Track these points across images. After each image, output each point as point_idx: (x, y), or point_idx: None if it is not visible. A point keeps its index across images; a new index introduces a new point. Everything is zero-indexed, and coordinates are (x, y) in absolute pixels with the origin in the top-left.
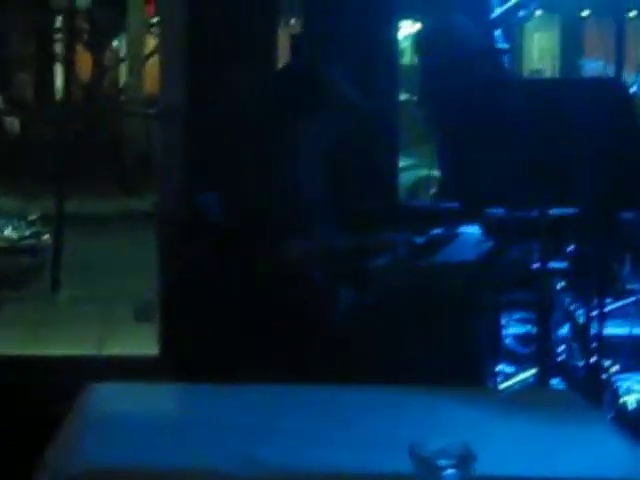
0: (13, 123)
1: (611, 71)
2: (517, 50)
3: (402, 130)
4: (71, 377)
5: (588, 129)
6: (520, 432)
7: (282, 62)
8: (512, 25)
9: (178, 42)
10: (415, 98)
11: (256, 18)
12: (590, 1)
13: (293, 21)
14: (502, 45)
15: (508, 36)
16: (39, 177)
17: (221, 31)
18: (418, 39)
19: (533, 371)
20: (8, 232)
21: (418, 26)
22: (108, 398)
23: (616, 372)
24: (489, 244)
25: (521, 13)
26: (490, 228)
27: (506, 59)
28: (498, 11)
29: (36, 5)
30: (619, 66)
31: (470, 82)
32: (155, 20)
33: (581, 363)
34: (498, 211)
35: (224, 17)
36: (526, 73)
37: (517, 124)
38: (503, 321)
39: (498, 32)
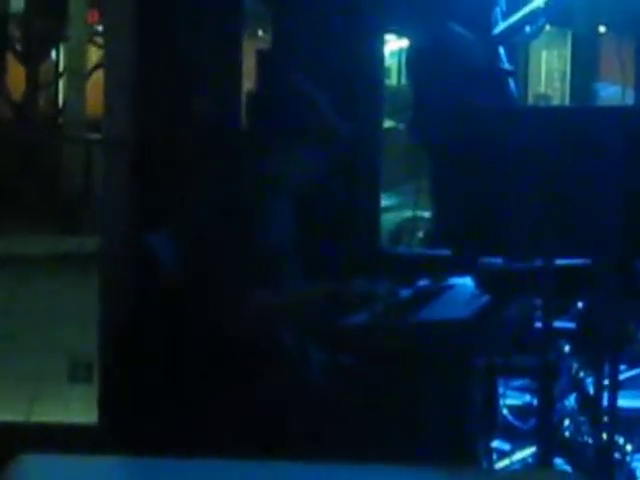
0: None
1: (630, 98)
2: (521, 70)
3: (386, 163)
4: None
5: (602, 167)
6: None
7: (248, 82)
8: (518, 43)
9: (127, 55)
10: (401, 126)
11: (218, 29)
12: (606, 15)
13: (260, 33)
14: (506, 66)
15: (511, 54)
16: None
17: (178, 42)
18: (407, 57)
19: (533, 449)
20: None
21: (406, 42)
22: (38, 471)
23: (630, 451)
24: (484, 299)
25: (528, 29)
26: (486, 280)
27: (511, 83)
28: (501, 26)
29: None
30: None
31: (467, 109)
32: (100, 28)
33: (589, 440)
34: (495, 261)
35: (182, 25)
36: (531, 99)
37: (520, 160)
38: (499, 390)
39: (501, 51)
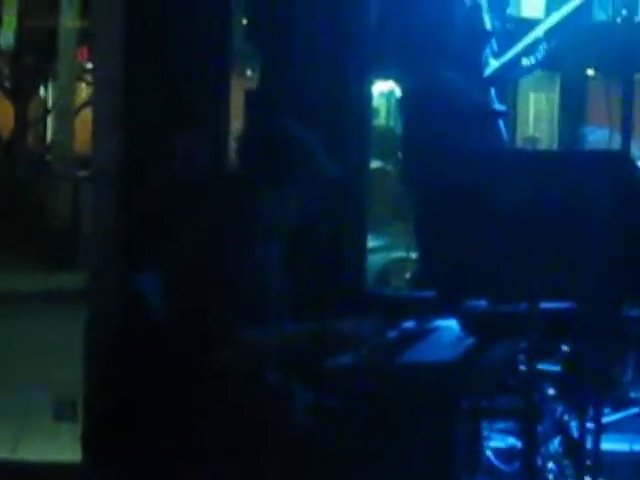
0: None
1: (617, 142)
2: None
3: (374, 204)
4: None
5: (589, 210)
6: None
7: (236, 122)
8: (507, 83)
9: (115, 93)
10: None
11: (207, 68)
12: (595, 59)
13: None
14: (497, 107)
15: (500, 96)
16: None
17: (167, 81)
18: (399, 100)
19: None
20: None
21: (392, 84)
22: None
23: None
24: (469, 341)
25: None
26: (470, 323)
27: (502, 124)
28: (492, 67)
29: None
30: (627, 136)
31: (454, 153)
32: (89, 66)
33: None
34: (480, 303)
35: (170, 65)
36: (519, 141)
37: (506, 203)
38: (483, 432)
39: (492, 92)
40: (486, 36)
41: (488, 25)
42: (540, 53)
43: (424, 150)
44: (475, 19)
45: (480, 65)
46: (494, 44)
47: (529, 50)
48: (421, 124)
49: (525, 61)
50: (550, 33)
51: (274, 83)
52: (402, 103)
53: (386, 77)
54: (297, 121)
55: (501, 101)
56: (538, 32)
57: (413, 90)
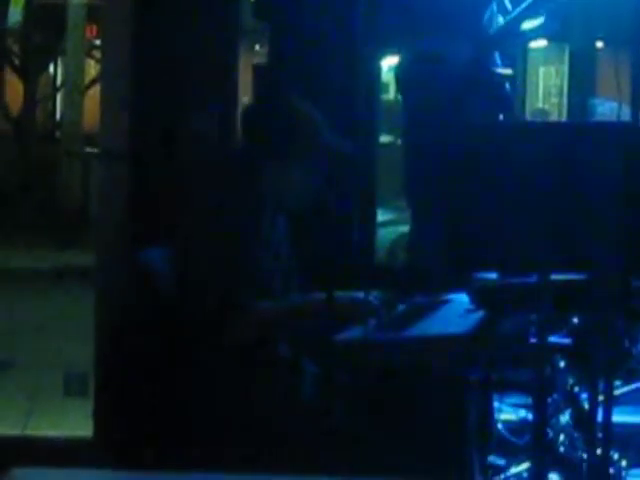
0: None
1: (626, 114)
2: (519, 86)
3: (383, 178)
4: None
5: (600, 182)
6: None
7: (245, 98)
8: (513, 50)
9: (124, 69)
10: (398, 141)
11: (215, 43)
12: (604, 30)
13: (257, 47)
14: (502, 70)
15: (508, 62)
16: None
17: (176, 57)
18: (397, 72)
19: (528, 464)
20: None
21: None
22: None
23: (625, 467)
24: (479, 314)
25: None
26: (481, 295)
27: (507, 86)
28: (494, 28)
29: None
30: (636, 107)
31: (462, 123)
32: (98, 42)
33: (584, 456)
34: (490, 275)
35: (179, 40)
36: (529, 114)
37: (515, 174)
38: (494, 405)
39: (495, 55)
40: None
41: None
42: (546, 15)
43: (429, 121)
44: None
45: (481, 29)
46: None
47: (533, 9)
48: (422, 95)
49: (530, 23)
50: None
51: (282, 58)
52: (401, 75)
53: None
54: (304, 96)
55: (508, 64)
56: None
57: (414, 58)
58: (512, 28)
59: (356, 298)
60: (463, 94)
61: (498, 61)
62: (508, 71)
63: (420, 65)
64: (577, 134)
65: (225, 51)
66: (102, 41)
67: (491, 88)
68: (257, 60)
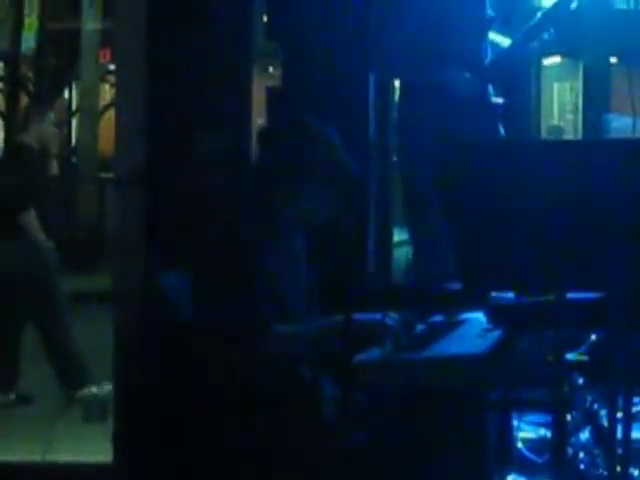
0: None
1: None
2: (533, 103)
3: (397, 198)
4: None
5: (616, 199)
6: None
7: (259, 120)
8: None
9: (139, 93)
10: None
11: (229, 65)
12: (617, 46)
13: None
14: (494, 99)
15: (525, 86)
16: None
17: (190, 79)
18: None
19: None
20: None
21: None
22: None
23: None
24: (497, 333)
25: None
26: (498, 315)
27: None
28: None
29: None
30: None
31: (482, 142)
32: (112, 67)
33: (604, 473)
34: (507, 295)
35: (193, 63)
36: (544, 131)
37: (532, 193)
38: (514, 423)
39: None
40: (488, 23)
41: (489, 11)
42: (541, 39)
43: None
44: (475, 6)
45: (479, 58)
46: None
47: (530, 36)
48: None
49: (528, 47)
50: (548, 18)
51: (296, 79)
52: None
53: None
54: (318, 116)
55: (523, 92)
56: (536, 18)
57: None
58: (507, 58)
59: (374, 320)
60: (458, 121)
61: (491, 91)
62: (500, 100)
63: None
64: (592, 151)
65: (239, 73)
66: (116, 66)
67: (484, 118)
68: (271, 82)
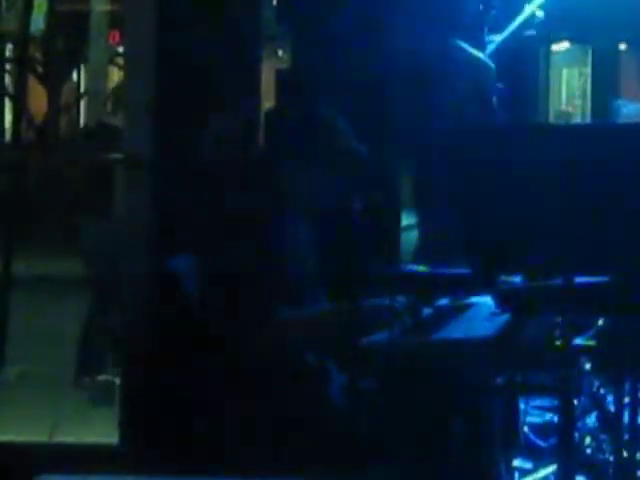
0: None
1: None
2: (542, 88)
3: (407, 182)
4: (19, 467)
5: (624, 184)
6: None
7: (267, 103)
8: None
9: (147, 76)
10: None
11: (238, 48)
12: (627, 31)
13: (280, 52)
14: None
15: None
16: None
17: (198, 62)
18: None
19: (554, 467)
20: None
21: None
22: None
23: None
24: (504, 317)
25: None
26: (506, 298)
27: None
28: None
29: None
30: None
31: (491, 125)
32: (121, 49)
33: (610, 458)
34: (515, 279)
35: (201, 45)
36: (552, 116)
37: (541, 177)
38: (520, 408)
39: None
40: (487, 9)
41: None
42: (538, 26)
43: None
44: None
45: (483, 40)
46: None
47: (528, 24)
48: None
49: (525, 34)
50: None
51: (304, 62)
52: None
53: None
54: (327, 100)
55: (532, 77)
56: (535, 5)
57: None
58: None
59: (381, 304)
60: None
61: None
62: (498, 85)
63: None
64: (600, 136)
65: (248, 56)
66: (125, 48)
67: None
68: (280, 65)
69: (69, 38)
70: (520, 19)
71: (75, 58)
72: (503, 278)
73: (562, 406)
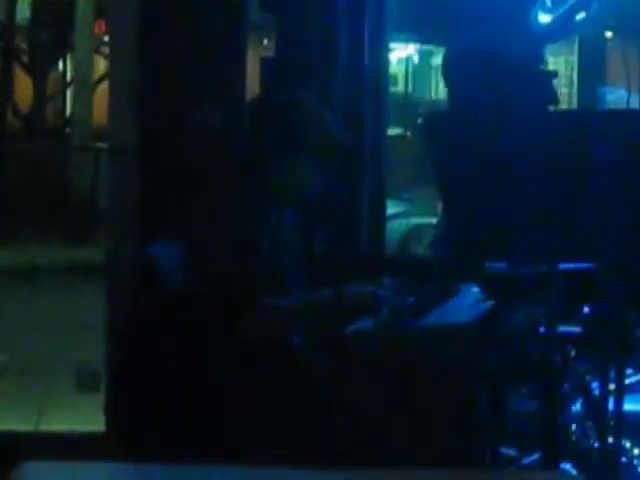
0: None
1: (635, 102)
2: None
3: (393, 170)
4: (5, 455)
5: (608, 170)
6: None
7: (252, 91)
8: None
9: (132, 64)
10: (407, 133)
11: (222, 37)
12: (614, 19)
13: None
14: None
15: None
16: None
17: (183, 50)
18: (444, 60)
19: (540, 454)
20: None
21: (412, 48)
22: (42, 478)
23: (637, 455)
24: (489, 304)
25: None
26: (490, 285)
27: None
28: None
29: None
30: None
31: (474, 114)
32: (107, 38)
33: (596, 444)
34: (500, 266)
35: (186, 33)
36: None
37: (525, 161)
38: (505, 395)
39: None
40: None
41: None
42: (593, 8)
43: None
44: None
45: (530, 23)
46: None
47: (582, 5)
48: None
49: (578, 17)
50: None
51: (290, 52)
52: (448, 62)
53: (427, 41)
54: (311, 88)
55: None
56: None
57: (459, 49)
58: (560, 24)
59: (366, 290)
60: (510, 89)
61: (543, 56)
62: (554, 69)
63: (467, 58)
64: (583, 122)
65: (233, 44)
66: (110, 36)
67: (537, 84)
68: (265, 54)
69: (55, 27)
70: None
71: (61, 47)
72: (488, 265)
73: (547, 393)
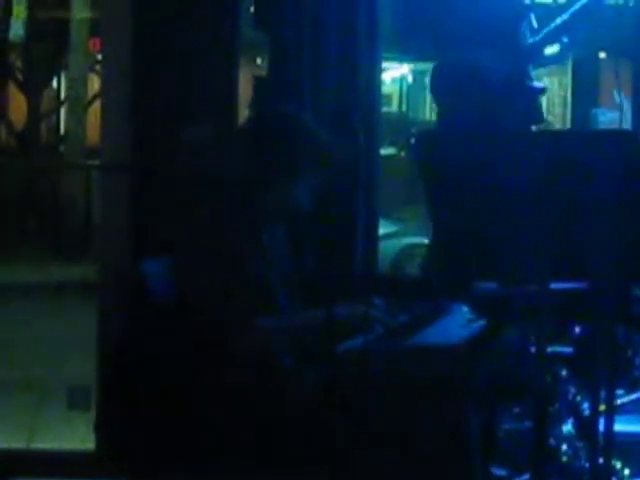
0: None
1: (627, 123)
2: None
3: (385, 190)
4: None
5: (600, 190)
6: None
7: (244, 109)
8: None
9: (125, 83)
10: (401, 153)
11: (215, 56)
12: (606, 41)
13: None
14: (534, 83)
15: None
16: None
17: (176, 69)
18: (432, 78)
19: (529, 474)
20: None
21: (406, 68)
22: None
23: (627, 476)
24: (480, 324)
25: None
26: (482, 305)
27: (539, 101)
28: (529, 44)
29: None
30: (637, 116)
31: (466, 133)
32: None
33: (586, 465)
34: (491, 285)
35: (179, 53)
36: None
37: (517, 184)
38: (496, 415)
39: (529, 68)
40: (524, 10)
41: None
42: (577, 30)
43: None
44: None
45: (518, 41)
46: (532, 20)
47: (566, 27)
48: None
49: (564, 38)
50: (585, 11)
51: (283, 71)
52: (436, 80)
53: (419, 58)
54: (304, 108)
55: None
56: (575, 9)
57: (448, 66)
58: (548, 41)
59: (357, 310)
60: (496, 106)
61: (531, 74)
62: (540, 84)
63: (454, 74)
64: (576, 142)
65: (225, 63)
66: (102, 54)
67: (524, 101)
68: (258, 73)
69: (49, 45)
70: None
71: (55, 65)
72: (479, 284)
73: (537, 413)
